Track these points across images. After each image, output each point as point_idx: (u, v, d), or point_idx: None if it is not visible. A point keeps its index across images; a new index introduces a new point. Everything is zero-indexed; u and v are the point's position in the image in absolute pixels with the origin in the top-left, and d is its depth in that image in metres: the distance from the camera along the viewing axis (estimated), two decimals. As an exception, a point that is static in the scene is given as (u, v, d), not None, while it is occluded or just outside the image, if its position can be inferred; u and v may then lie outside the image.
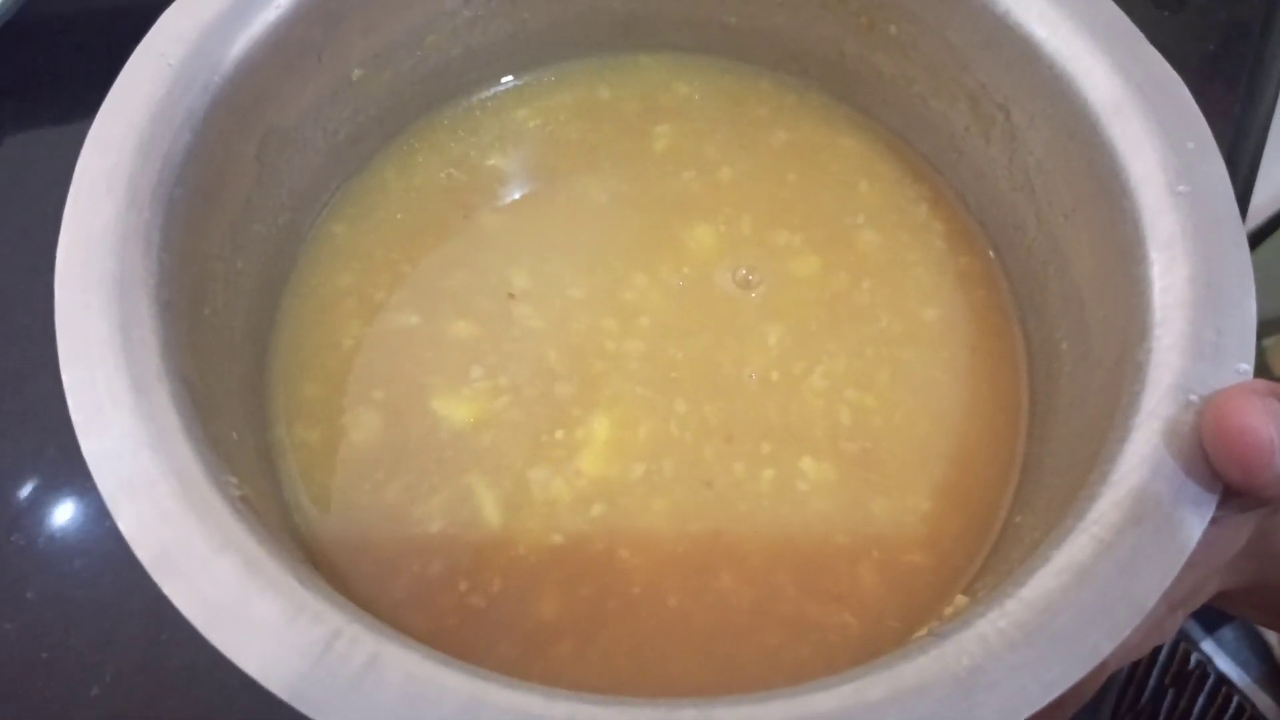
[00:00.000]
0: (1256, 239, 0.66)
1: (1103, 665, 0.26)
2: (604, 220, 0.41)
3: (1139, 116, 0.33)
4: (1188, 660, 0.71)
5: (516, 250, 0.40)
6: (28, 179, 0.46)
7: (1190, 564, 0.29)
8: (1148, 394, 0.29)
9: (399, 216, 0.41)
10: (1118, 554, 0.26)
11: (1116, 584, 0.25)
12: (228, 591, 0.25)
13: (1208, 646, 0.72)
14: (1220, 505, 0.27)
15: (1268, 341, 0.66)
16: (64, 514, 0.40)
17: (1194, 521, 0.26)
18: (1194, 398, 0.28)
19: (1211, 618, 0.70)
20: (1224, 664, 0.71)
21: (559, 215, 0.41)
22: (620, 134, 0.43)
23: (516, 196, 0.42)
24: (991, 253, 0.41)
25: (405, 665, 0.24)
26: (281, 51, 0.34)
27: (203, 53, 0.31)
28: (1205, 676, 0.71)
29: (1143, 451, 0.28)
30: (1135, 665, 0.71)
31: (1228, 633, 0.72)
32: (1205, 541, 0.29)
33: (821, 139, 0.44)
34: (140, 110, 0.30)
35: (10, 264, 0.39)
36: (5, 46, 0.47)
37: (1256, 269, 0.70)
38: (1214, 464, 0.27)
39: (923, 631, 0.28)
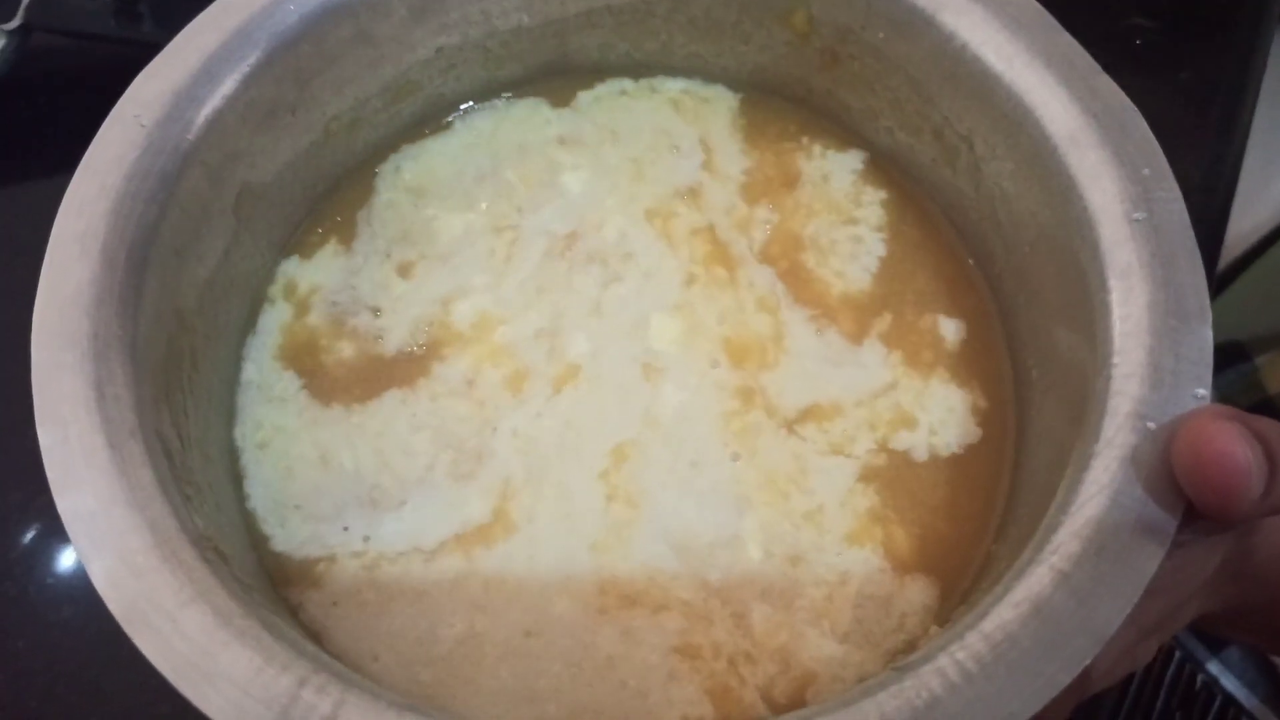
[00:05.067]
0: (1244, 263, 0.66)
1: (1071, 693, 0.26)
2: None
3: (1096, 146, 0.33)
4: (1194, 681, 0.71)
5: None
6: (16, 234, 0.47)
7: (1159, 590, 0.29)
8: (1107, 422, 0.29)
9: (377, 223, 0.41)
10: (1076, 584, 0.26)
11: (1075, 615, 0.26)
12: (196, 643, 0.25)
13: (1214, 667, 0.71)
14: (1185, 529, 0.27)
15: (1260, 359, 0.65)
16: (54, 563, 0.41)
17: (1153, 549, 0.27)
18: (1152, 425, 0.28)
19: (1216, 638, 0.70)
20: (1230, 684, 0.70)
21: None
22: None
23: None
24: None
25: (370, 713, 0.25)
26: (253, 111, 0.35)
27: (175, 115, 0.32)
28: (1212, 697, 0.70)
29: (1102, 480, 0.28)
30: (1142, 687, 0.70)
31: (1233, 653, 0.71)
32: (1173, 566, 0.29)
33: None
34: (114, 172, 0.31)
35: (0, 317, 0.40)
36: (-6, 106, 0.49)
37: (1248, 288, 0.70)
38: (1188, 491, 0.27)
39: (885, 669, 0.28)
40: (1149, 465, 0.28)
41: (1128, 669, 0.32)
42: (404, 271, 0.40)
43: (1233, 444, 0.26)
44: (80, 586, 0.41)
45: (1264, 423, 0.27)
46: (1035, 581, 0.26)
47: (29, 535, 0.42)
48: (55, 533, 0.42)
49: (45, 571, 0.41)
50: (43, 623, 0.40)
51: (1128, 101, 0.34)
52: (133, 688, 0.38)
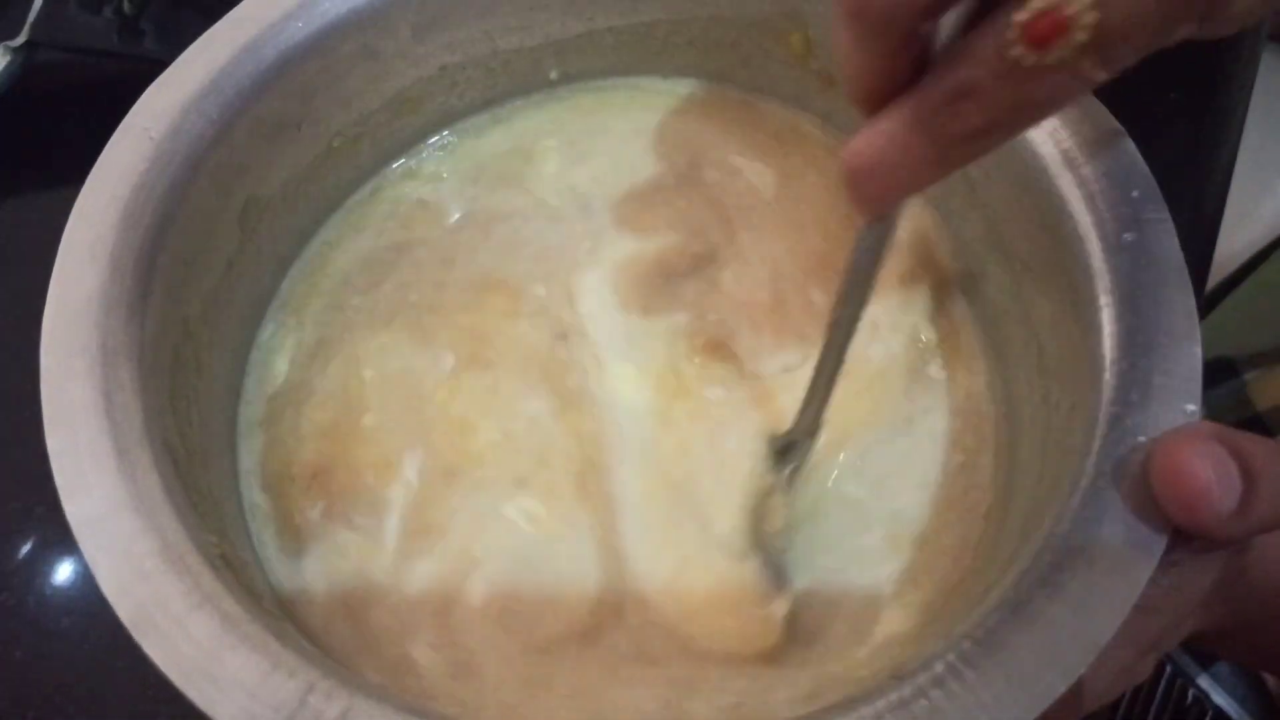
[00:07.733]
0: (1234, 280, 0.67)
1: (1066, 709, 0.26)
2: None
3: (1087, 167, 0.34)
4: (1185, 696, 0.71)
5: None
6: (19, 246, 0.48)
7: (1155, 608, 0.29)
8: (1099, 436, 0.29)
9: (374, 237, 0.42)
10: (1070, 596, 0.27)
11: (1069, 625, 0.26)
12: (204, 647, 0.25)
13: (1204, 682, 0.71)
14: (1178, 548, 0.28)
15: (1249, 376, 0.66)
16: (53, 573, 0.41)
17: (1145, 561, 0.27)
18: (1143, 439, 0.29)
19: (1207, 653, 0.70)
20: (1220, 699, 0.70)
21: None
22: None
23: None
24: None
25: (378, 719, 0.25)
26: (260, 125, 0.35)
27: (184, 127, 0.33)
28: (1203, 712, 0.70)
29: (1095, 494, 0.28)
30: (1133, 702, 0.70)
31: (1224, 669, 0.71)
32: (1169, 585, 0.29)
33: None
34: (124, 183, 0.31)
35: (2, 329, 0.40)
36: (-1, 119, 0.49)
37: (1238, 306, 0.71)
38: (1161, 506, 0.27)
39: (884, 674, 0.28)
40: (1139, 480, 0.28)
41: (1125, 686, 0.33)
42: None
43: (1194, 461, 0.26)
44: (78, 597, 0.41)
45: (1247, 440, 0.27)
46: (1030, 592, 0.27)
47: (27, 546, 0.42)
48: (53, 543, 0.42)
49: (44, 582, 0.41)
50: (41, 633, 0.40)
51: (1116, 124, 0.35)
52: (131, 698, 0.38)
